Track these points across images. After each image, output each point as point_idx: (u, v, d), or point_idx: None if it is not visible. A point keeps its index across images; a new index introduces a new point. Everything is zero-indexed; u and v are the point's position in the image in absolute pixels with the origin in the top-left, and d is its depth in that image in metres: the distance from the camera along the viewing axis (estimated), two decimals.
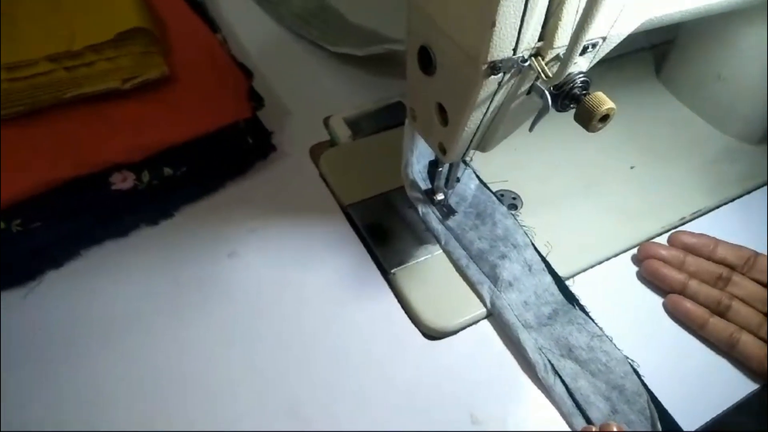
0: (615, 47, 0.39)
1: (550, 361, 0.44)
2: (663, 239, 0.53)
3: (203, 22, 0.58)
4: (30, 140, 0.47)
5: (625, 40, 0.39)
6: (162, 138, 0.48)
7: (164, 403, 0.41)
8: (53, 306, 0.45)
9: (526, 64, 0.34)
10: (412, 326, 0.46)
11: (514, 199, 0.55)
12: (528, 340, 0.45)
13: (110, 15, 0.50)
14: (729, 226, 0.54)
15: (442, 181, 0.50)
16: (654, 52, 0.71)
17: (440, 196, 0.51)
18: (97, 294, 0.46)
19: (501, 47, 0.33)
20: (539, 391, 0.44)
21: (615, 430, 0.40)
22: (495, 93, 0.36)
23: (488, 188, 0.54)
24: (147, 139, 0.48)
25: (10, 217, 0.45)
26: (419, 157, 0.52)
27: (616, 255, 0.52)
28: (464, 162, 0.52)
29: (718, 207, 0.56)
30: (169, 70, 0.50)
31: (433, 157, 0.52)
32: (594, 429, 0.41)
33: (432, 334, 0.46)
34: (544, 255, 0.50)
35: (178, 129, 0.49)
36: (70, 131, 0.48)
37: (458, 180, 0.51)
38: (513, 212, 0.53)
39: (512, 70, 0.35)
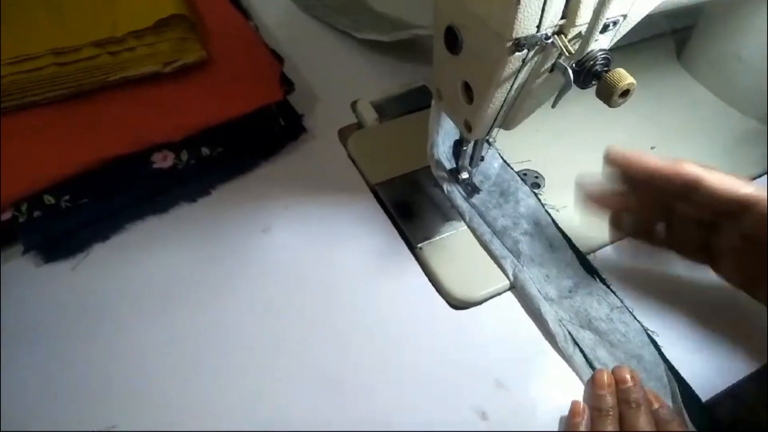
0: (637, 31, 0.40)
1: (569, 332, 0.46)
2: None
3: (237, 10, 0.60)
4: (77, 121, 0.50)
5: (646, 24, 0.41)
6: (200, 119, 0.51)
7: (200, 369, 0.44)
8: (100, 277, 0.48)
9: (549, 41, 0.36)
10: (439, 297, 0.48)
11: (536, 178, 0.56)
12: (549, 312, 0.47)
13: (150, 3, 0.53)
14: None
15: (467, 160, 0.52)
16: (675, 37, 0.72)
17: (465, 175, 0.53)
18: (140, 266, 0.49)
19: (525, 24, 0.34)
20: (561, 358, 0.45)
21: (628, 375, 0.42)
22: (519, 70, 0.38)
23: (511, 168, 0.56)
24: (185, 120, 0.51)
25: (60, 193, 0.48)
26: (444, 137, 0.54)
27: None
28: (488, 142, 0.54)
29: None
30: (207, 54, 0.53)
31: (458, 137, 0.54)
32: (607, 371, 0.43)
33: (458, 305, 0.48)
34: (565, 231, 0.51)
35: (215, 111, 0.52)
36: (113, 113, 0.50)
37: (482, 159, 0.53)
38: (536, 191, 0.54)
39: (536, 47, 0.36)
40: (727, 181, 0.41)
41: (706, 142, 0.61)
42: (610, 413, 0.41)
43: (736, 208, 0.41)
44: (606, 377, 0.42)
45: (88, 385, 0.42)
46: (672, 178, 0.42)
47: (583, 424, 0.41)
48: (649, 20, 0.41)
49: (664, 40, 0.72)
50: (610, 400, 0.41)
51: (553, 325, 0.46)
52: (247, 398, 0.42)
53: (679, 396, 0.43)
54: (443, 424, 0.42)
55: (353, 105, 0.62)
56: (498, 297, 0.49)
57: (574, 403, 0.42)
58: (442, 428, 0.42)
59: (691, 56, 0.68)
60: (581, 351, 0.45)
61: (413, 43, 0.65)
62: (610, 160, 0.45)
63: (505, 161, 0.56)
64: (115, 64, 0.50)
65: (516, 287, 0.49)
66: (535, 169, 0.57)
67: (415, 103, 0.62)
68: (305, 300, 0.48)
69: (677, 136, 0.61)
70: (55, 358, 0.44)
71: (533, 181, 0.56)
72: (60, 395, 0.42)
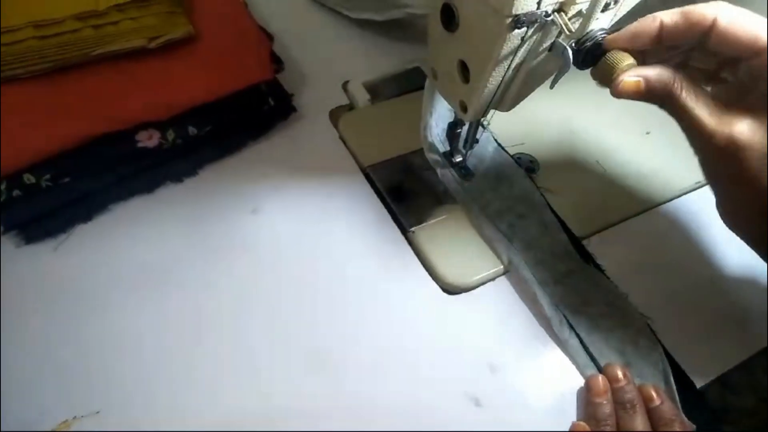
0: (632, 17, 0.40)
1: (565, 316, 0.46)
2: (677, 203, 0.54)
3: None
4: (59, 97, 0.48)
5: (642, 10, 0.40)
6: (187, 97, 0.50)
7: (187, 351, 0.43)
8: (82, 258, 0.47)
9: (549, 18, 0.35)
10: (432, 282, 0.47)
11: (531, 162, 0.55)
12: (543, 296, 0.46)
13: None
14: None
15: (461, 143, 0.51)
16: None
17: (458, 158, 0.52)
18: (124, 247, 0.47)
19: (525, 0, 0.33)
20: (554, 343, 0.45)
21: (620, 373, 0.41)
22: (517, 48, 0.37)
23: (506, 151, 0.55)
24: (172, 98, 0.49)
25: (40, 172, 0.46)
26: (438, 120, 0.53)
27: (631, 217, 0.53)
28: (482, 125, 0.53)
29: None
30: (194, 30, 0.51)
31: (452, 119, 0.53)
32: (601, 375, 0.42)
33: (451, 290, 0.47)
34: (560, 215, 0.51)
35: (203, 88, 0.50)
36: (97, 89, 0.49)
37: (477, 142, 0.52)
38: (530, 174, 0.54)
39: (535, 25, 0.35)
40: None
41: None
42: (609, 422, 0.39)
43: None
44: (602, 383, 0.41)
45: (70, 369, 0.41)
46: (684, 31, 0.37)
47: None
48: (645, 5, 0.40)
49: None
50: (608, 408, 0.40)
51: (549, 309, 0.46)
52: (236, 380, 0.42)
53: (672, 379, 0.43)
54: (436, 409, 0.41)
55: (345, 85, 0.60)
56: (492, 281, 0.48)
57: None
58: (435, 414, 0.41)
59: None
60: (577, 335, 0.45)
61: (407, 22, 0.63)
62: (610, 42, 0.37)
63: (499, 144, 0.55)
64: (98, 39, 0.48)
65: (510, 271, 0.48)
66: (530, 153, 0.56)
67: (408, 84, 0.61)
68: (294, 283, 0.47)
69: (672, 121, 0.60)
70: (35, 341, 0.42)
71: (528, 165, 0.55)
72: (40, 379, 0.41)
